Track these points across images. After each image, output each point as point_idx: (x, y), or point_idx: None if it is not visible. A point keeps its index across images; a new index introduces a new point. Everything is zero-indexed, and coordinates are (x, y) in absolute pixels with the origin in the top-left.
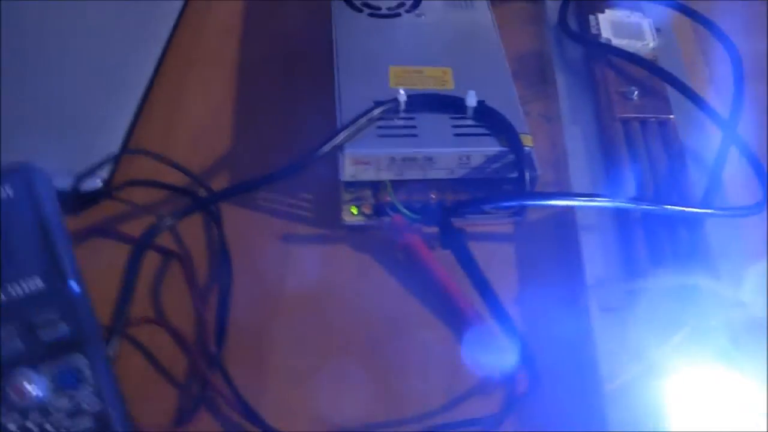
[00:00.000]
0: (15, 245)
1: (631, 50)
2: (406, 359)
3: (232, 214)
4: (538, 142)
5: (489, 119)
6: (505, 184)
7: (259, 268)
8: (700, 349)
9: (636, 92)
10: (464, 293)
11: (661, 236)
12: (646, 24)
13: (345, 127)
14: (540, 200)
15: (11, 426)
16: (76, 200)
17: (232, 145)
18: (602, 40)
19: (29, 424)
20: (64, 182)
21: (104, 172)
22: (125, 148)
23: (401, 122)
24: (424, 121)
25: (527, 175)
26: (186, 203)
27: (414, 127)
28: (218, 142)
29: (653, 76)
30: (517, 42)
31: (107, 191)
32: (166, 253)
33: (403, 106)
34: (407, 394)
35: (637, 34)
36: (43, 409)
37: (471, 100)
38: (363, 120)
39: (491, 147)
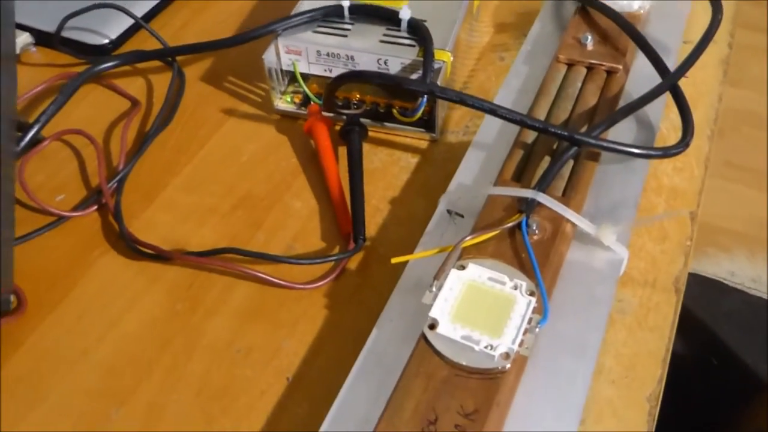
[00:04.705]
0: None
1: (613, 6)
2: (271, 215)
3: (197, 86)
4: (488, 80)
5: (418, 33)
6: None
7: (193, 125)
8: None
9: (590, 39)
10: (339, 181)
11: (540, 163)
12: None
13: (284, 19)
14: (418, 86)
15: None
16: (82, 46)
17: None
18: None
19: None
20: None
21: (113, 34)
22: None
23: (339, 26)
24: (361, 28)
25: (428, 79)
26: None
27: (348, 30)
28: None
29: (622, 31)
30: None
31: (111, 49)
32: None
33: (346, 13)
34: (265, 231)
35: None
36: None
37: (404, 14)
38: (304, 17)
39: (408, 56)
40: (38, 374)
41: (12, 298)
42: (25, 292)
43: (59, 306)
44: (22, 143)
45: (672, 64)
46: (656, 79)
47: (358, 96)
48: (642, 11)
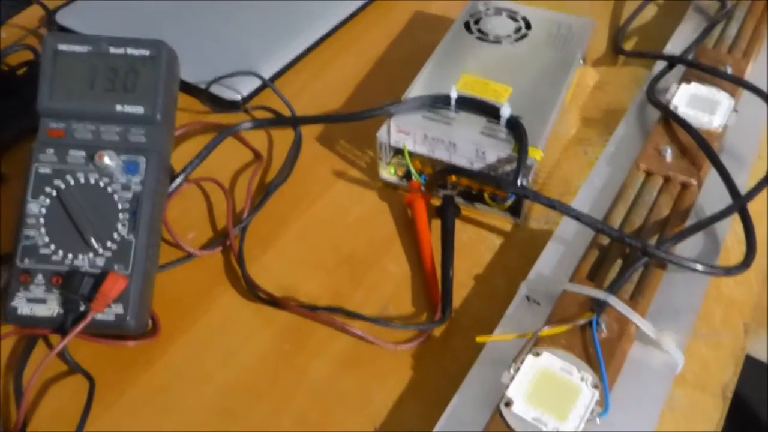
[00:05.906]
0: (141, 86)
1: (694, 121)
2: (370, 275)
3: (312, 146)
4: (571, 172)
5: (515, 130)
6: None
7: (306, 183)
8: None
9: (669, 152)
10: (432, 254)
11: (612, 265)
12: (725, 104)
13: (398, 102)
14: (515, 190)
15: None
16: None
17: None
18: (670, 106)
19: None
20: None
21: (245, 92)
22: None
23: (445, 113)
24: (464, 118)
25: (521, 176)
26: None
27: (453, 118)
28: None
29: (698, 146)
30: (613, 99)
31: (241, 104)
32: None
33: (453, 103)
34: (364, 289)
35: (708, 108)
36: (109, 174)
37: (505, 111)
38: (416, 103)
39: (504, 150)
40: (168, 390)
41: (149, 321)
42: (159, 318)
43: (187, 333)
44: (170, 189)
45: (745, 178)
46: (727, 195)
47: (454, 178)
48: (720, 129)
